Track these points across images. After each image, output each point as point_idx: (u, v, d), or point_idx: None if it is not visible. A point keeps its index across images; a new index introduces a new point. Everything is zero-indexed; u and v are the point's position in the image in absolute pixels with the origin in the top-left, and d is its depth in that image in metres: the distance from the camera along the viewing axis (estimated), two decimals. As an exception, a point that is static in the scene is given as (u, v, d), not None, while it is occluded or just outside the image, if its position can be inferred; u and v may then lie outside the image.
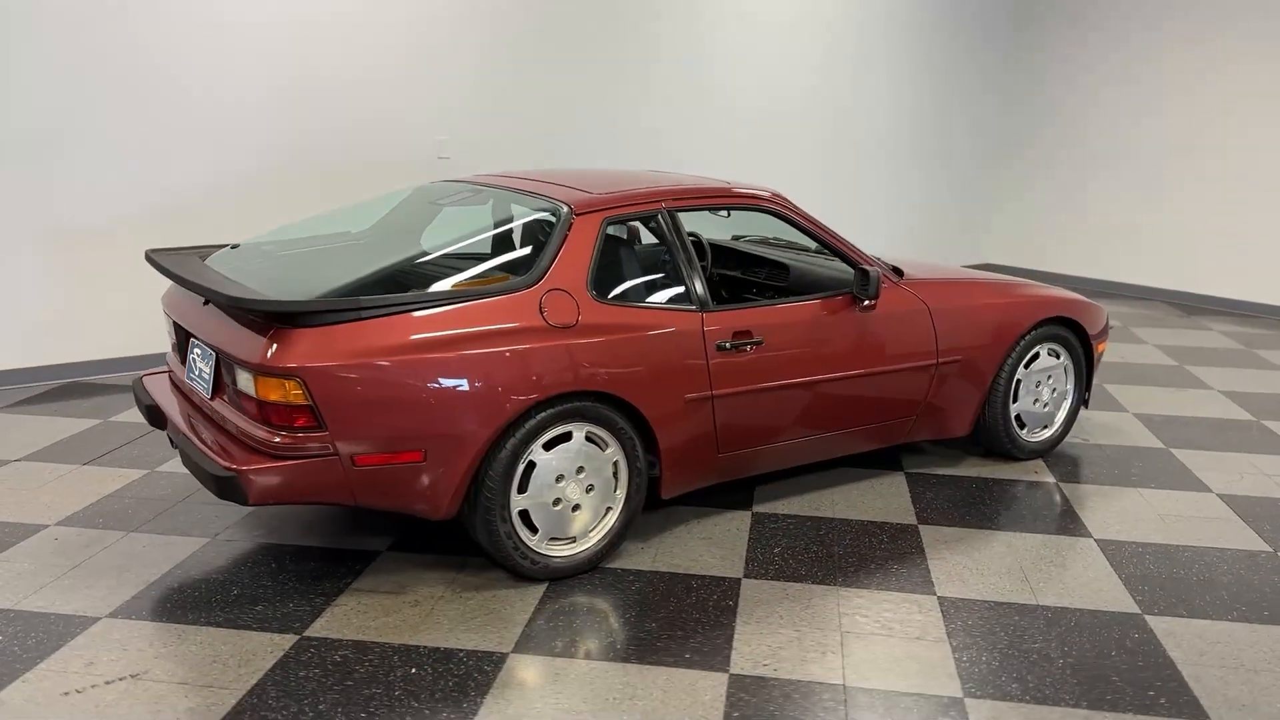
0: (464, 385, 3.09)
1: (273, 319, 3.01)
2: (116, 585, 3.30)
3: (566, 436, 3.34)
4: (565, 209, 3.51)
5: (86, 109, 5.34)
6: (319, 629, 3.06)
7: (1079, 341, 4.63)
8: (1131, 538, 3.82)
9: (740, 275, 4.64)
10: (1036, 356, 4.53)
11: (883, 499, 4.14)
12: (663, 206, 3.68)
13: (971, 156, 9.64)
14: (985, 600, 3.32)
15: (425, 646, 2.97)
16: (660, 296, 3.61)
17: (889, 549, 3.68)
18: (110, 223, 5.52)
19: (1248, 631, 3.15)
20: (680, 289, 3.63)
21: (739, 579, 3.43)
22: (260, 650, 2.93)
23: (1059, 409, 4.69)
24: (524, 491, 3.28)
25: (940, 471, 4.46)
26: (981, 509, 4.05)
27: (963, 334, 4.24)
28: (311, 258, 3.58)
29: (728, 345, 3.60)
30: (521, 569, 3.33)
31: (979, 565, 3.56)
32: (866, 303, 3.97)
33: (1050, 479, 4.41)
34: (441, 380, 3.06)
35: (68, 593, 3.24)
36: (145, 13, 5.40)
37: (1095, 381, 5.99)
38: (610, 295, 3.50)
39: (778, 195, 3.98)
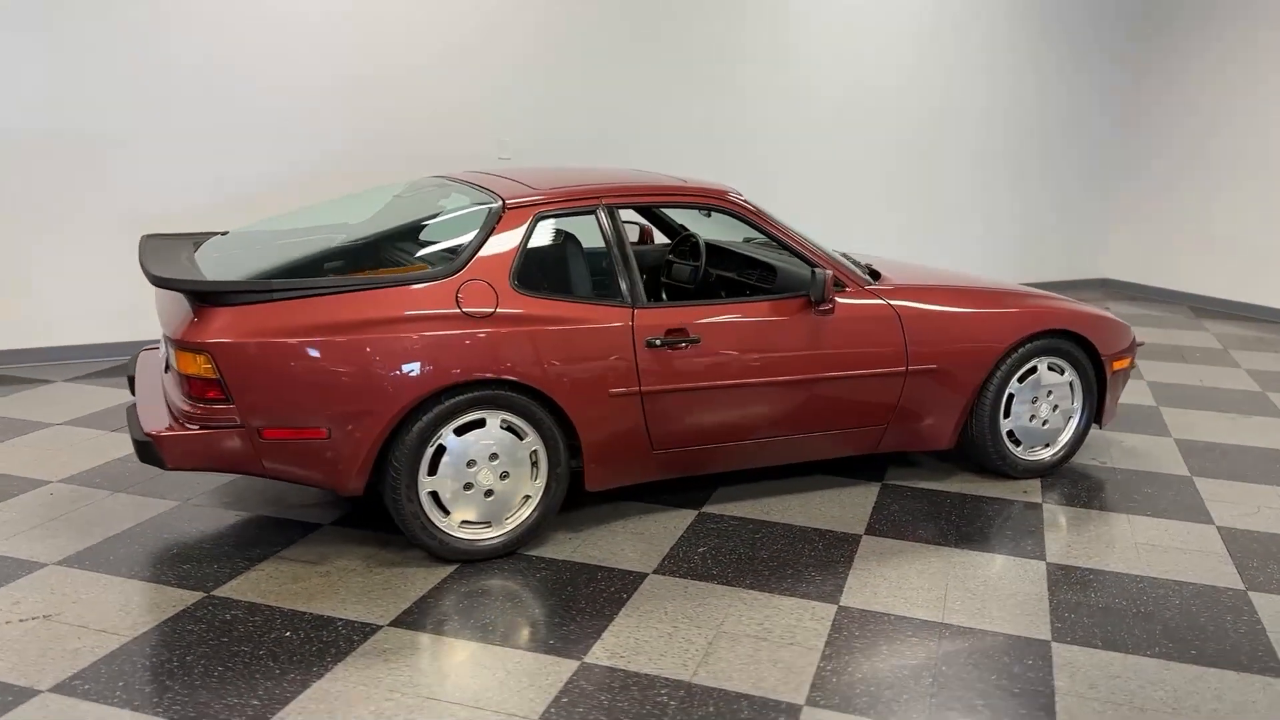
0: (367, 367, 3.24)
1: (194, 298, 3.24)
2: (77, 537, 3.62)
3: (482, 423, 3.44)
4: (498, 203, 3.62)
5: (160, 106, 5.83)
6: (226, 589, 3.27)
7: (1088, 358, 4.37)
8: (1088, 564, 3.59)
9: (735, 276, 4.62)
10: (1034, 371, 4.31)
11: (842, 508, 4.04)
12: (601, 203, 3.73)
13: (1082, 168, 9.14)
14: (887, 614, 3.21)
15: (310, 613, 3.14)
16: (590, 291, 3.66)
17: (817, 556, 3.60)
18: (182, 212, 6.00)
19: (1159, 668, 2.93)
20: (613, 285, 3.67)
21: (646, 574, 3.45)
22: (165, 603, 3.17)
23: (1064, 428, 4.44)
24: (434, 474, 3.40)
25: (922, 485, 4.31)
26: (942, 525, 3.90)
27: (938, 343, 4.08)
28: (272, 243, 3.82)
29: (657, 342, 3.61)
30: (430, 549, 3.45)
31: (901, 580, 3.44)
32: (823, 306, 3.89)
33: (1037, 499, 4.19)
34: (345, 362, 3.22)
35: (33, 540, 3.58)
36: (212, 12, 5.84)
37: (1140, 402, 5.61)
38: (535, 287, 3.58)
39: (731, 193, 3.96)
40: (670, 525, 3.85)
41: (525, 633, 3.04)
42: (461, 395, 3.36)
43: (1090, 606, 3.29)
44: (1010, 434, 4.35)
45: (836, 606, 3.25)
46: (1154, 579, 3.49)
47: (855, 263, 4.38)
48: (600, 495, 4.10)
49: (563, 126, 6.89)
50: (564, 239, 3.82)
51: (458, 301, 3.39)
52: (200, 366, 3.16)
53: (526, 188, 3.74)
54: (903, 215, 8.34)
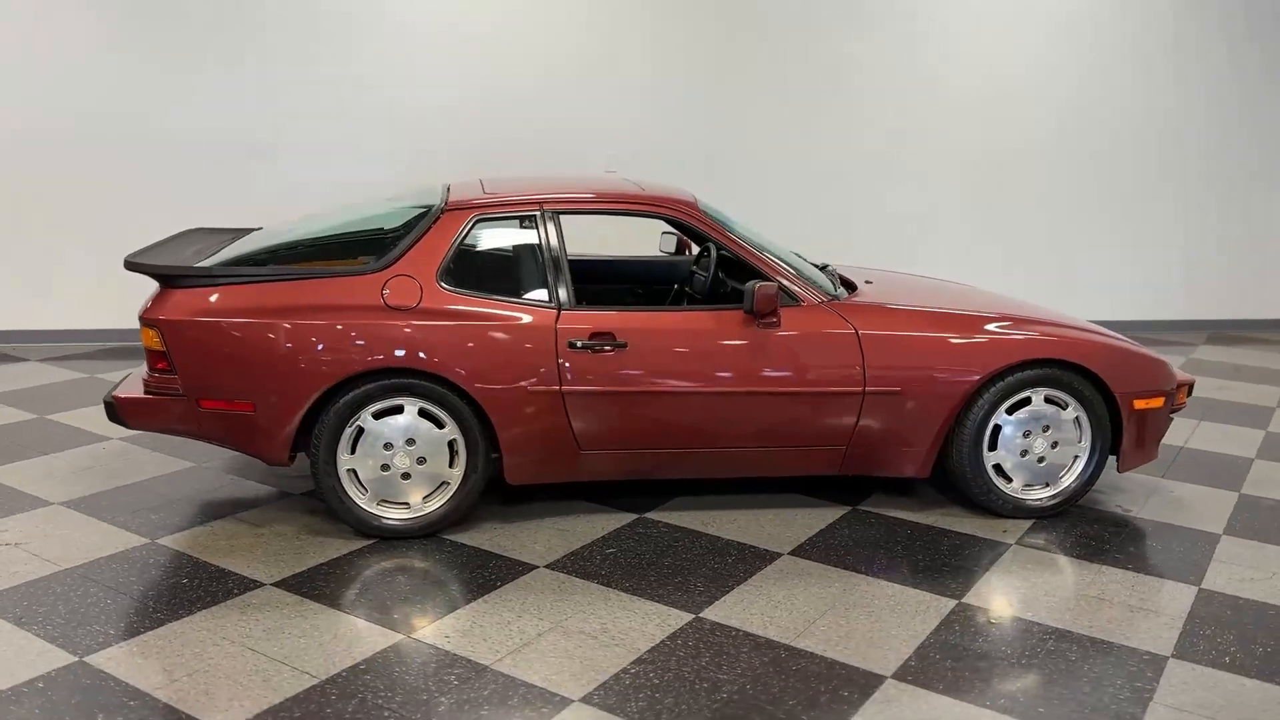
0: (290, 350, 3.57)
1: (159, 281, 3.70)
2: (93, 484, 4.20)
3: (401, 409, 3.68)
4: (439, 205, 3.85)
5: (303, 118, 6.54)
6: (169, 539, 3.71)
7: (1097, 394, 4.00)
8: (1000, 611, 3.32)
9: (741, 287, 4.60)
10: (1028, 402, 4.01)
11: (787, 527, 3.94)
12: (541, 209, 3.87)
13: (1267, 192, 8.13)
14: (736, 629, 3.15)
15: (216, 566, 3.50)
16: (518, 292, 3.81)
17: (717, 570, 3.56)
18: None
19: (964, 712, 2.70)
20: (542, 287, 3.80)
21: (536, 567, 3.55)
22: (113, 545, 3.64)
23: (1067, 467, 4.08)
24: (354, 453, 3.68)
25: (893, 514, 4.11)
26: (880, 555, 3.72)
27: (903, 365, 3.89)
28: (265, 237, 4.23)
29: (579, 344, 3.71)
30: (349, 523, 3.73)
31: (783, 600, 3.34)
32: (766, 319, 3.83)
33: (1009, 540, 3.89)
34: (271, 343, 3.57)
35: (57, 483, 4.20)
36: (349, 31, 6.48)
37: (1236, 453, 4.98)
38: (462, 285, 3.78)
39: (683, 203, 3.97)
40: (598, 525, 3.91)
41: (374, 606, 3.24)
42: (376, 382, 3.62)
43: (961, 651, 3.05)
44: (997, 468, 4.06)
45: (694, 617, 3.22)
46: (1065, 632, 3.18)
47: (831, 277, 4.26)
48: (566, 490, 4.22)
49: (671, 147, 7.02)
50: (506, 242, 3.98)
51: (383, 295, 3.65)
52: (153, 340, 3.61)
53: (479, 193, 3.95)
54: (1084, 236, 7.78)
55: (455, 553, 3.66)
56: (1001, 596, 3.42)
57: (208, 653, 2.93)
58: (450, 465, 3.75)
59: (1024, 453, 4.04)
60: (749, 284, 3.73)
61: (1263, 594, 3.48)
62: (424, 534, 3.77)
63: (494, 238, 3.96)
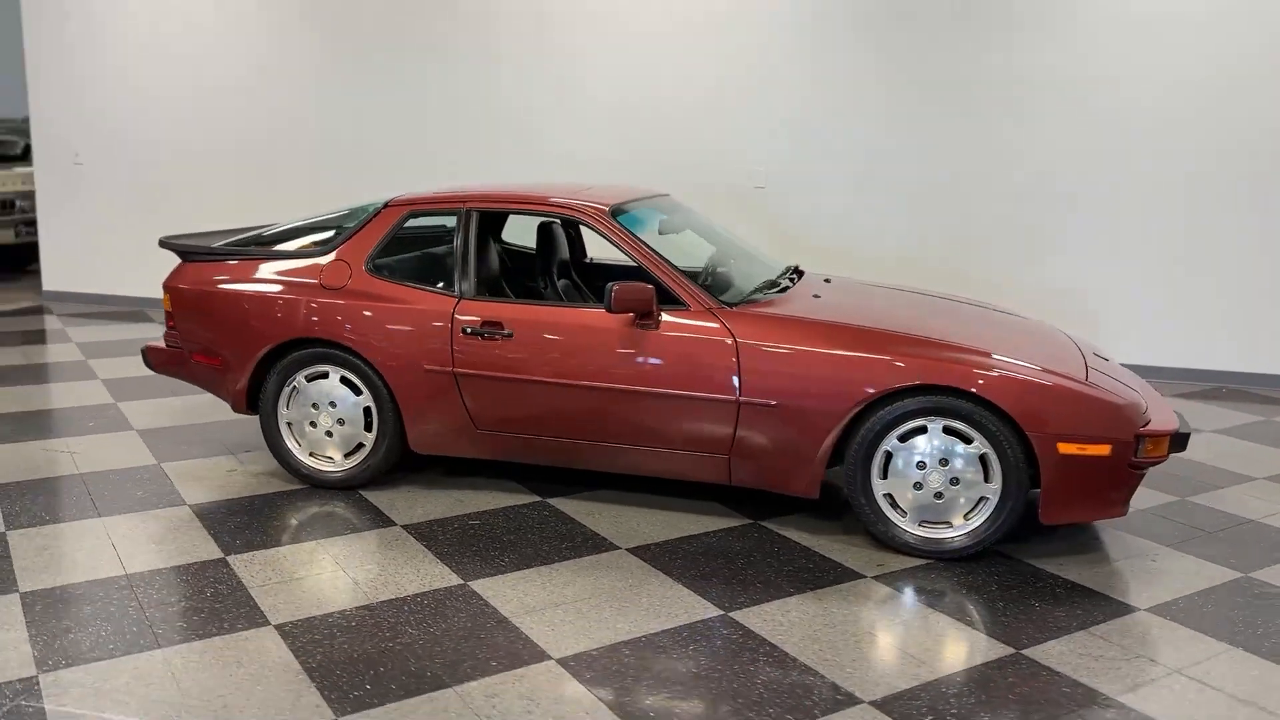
0: (244, 317, 4.31)
1: (179, 256, 4.61)
2: (175, 418, 5.26)
3: (327, 375, 4.28)
4: (382, 202, 4.39)
5: (478, 136, 7.43)
6: (169, 466, 4.60)
7: (1012, 432, 3.62)
8: (741, 629, 3.20)
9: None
10: (924, 430, 3.72)
11: (657, 527, 3.98)
12: (465, 208, 4.27)
13: None
14: (477, 594, 3.36)
15: (173, 490, 4.32)
16: (429, 281, 4.23)
17: (535, 553, 3.74)
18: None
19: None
20: (449, 277, 4.20)
21: (394, 525, 3.97)
22: (136, 459, 4.60)
23: (974, 508, 3.72)
24: (289, 409, 4.34)
25: (786, 532, 3.97)
26: (698, 564, 3.67)
27: (777, 377, 3.79)
28: (274, 226, 4.96)
29: (468, 331, 4.07)
30: (286, 469, 4.39)
31: (544, 581, 3.48)
32: (644, 320, 3.92)
33: (868, 574, 3.64)
34: (231, 310, 4.33)
35: (157, 418, 5.30)
36: (506, 57, 7.26)
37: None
38: (385, 272, 4.28)
39: (591, 208, 4.15)
40: (487, 502, 4.22)
41: (217, 536, 3.86)
42: (306, 349, 4.24)
43: (657, 648, 3.03)
44: (889, 497, 3.79)
45: (460, 583, 3.47)
46: (781, 654, 3.01)
47: (780, 282, 4.25)
48: (529, 470, 4.57)
49: (821, 165, 6.96)
50: (429, 236, 4.41)
51: (320, 276, 4.27)
52: (167, 303, 4.53)
53: (423, 193, 4.44)
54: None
55: (344, 502, 4.17)
56: (762, 620, 3.27)
57: (88, 544, 3.72)
58: (366, 429, 4.27)
59: (918, 485, 3.74)
60: (610, 285, 3.86)
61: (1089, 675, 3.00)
62: (344, 487, 4.32)
63: (420, 232, 4.42)
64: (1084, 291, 6.68)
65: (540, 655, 3.00)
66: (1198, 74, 6.27)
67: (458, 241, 4.22)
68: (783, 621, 3.26)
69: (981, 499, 3.70)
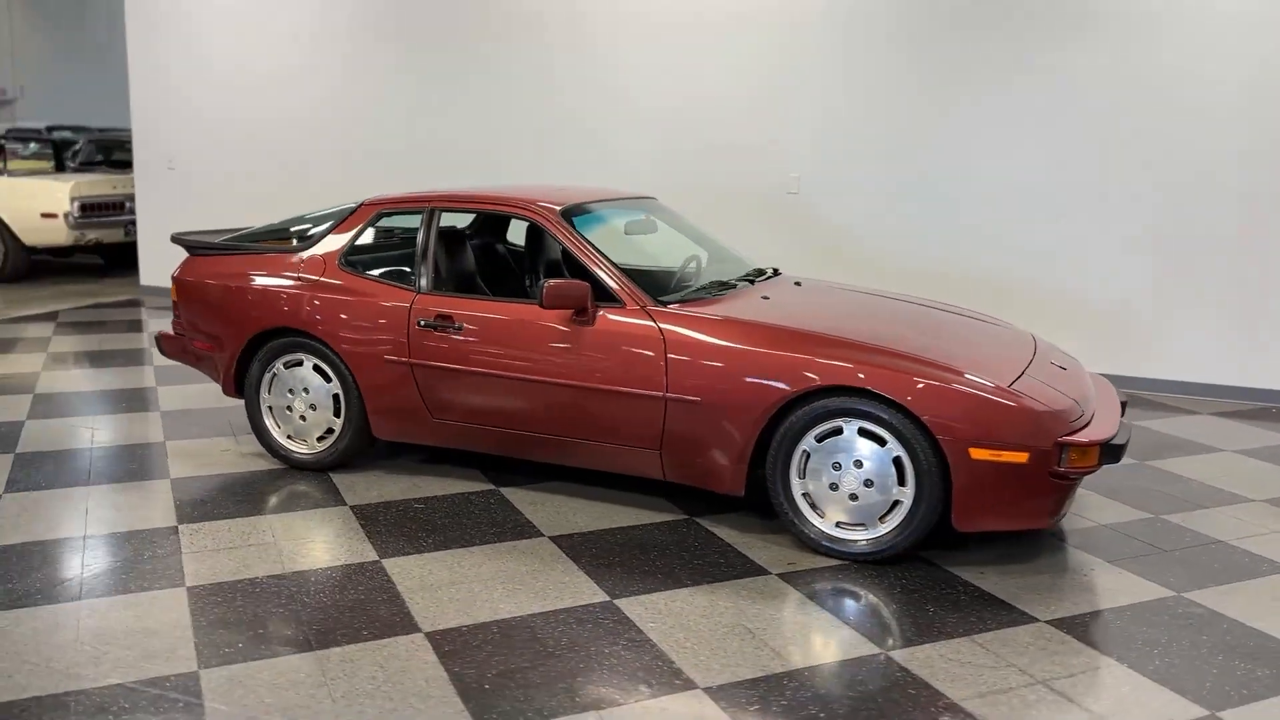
0: (230, 307, 4.64)
1: (187, 250, 4.99)
2: (172, 412, 5.67)
3: (301, 362, 4.57)
4: (358, 202, 4.65)
5: (541, 140, 7.69)
6: (174, 442, 4.99)
7: (923, 435, 3.59)
8: (619, 612, 3.28)
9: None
10: (841, 432, 3.73)
11: (590, 518, 4.09)
12: (428, 207, 4.49)
13: None
14: (369, 564, 3.55)
15: (170, 470, 4.68)
16: (392, 275, 4.46)
17: (447, 537, 3.91)
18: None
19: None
20: (409, 272, 4.43)
21: (344, 505, 4.21)
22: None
23: (889, 511, 3.70)
24: (270, 393, 4.65)
25: (714, 529, 4.02)
26: (608, 556, 3.76)
27: (703, 376, 3.85)
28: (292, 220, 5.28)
29: (422, 323, 4.29)
30: (267, 450, 4.70)
31: (433, 564, 3.64)
32: (585, 314, 4.04)
33: (773, 570, 3.66)
34: (221, 301, 4.67)
35: (169, 395, 5.73)
36: (581, 68, 7.48)
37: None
38: (354, 266, 4.53)
39: (546, 210, 4.30)
40: (442, 488, 4.41)
41: (179, 507, 4.17)
42: (282, 338, 4.54)
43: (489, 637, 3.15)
44: (807, 497, 3.81)
45: (374, 560, 3.67)
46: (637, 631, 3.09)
47: (710, 284, 4.33)
48: (497, 461, 4.76)
49: (856, 172, 6.92)
50: (395, 233, 4.64)
51: (298, 270, 4.56)
52: (173, 294, 4.92)
53: (394, 193, 4.68)
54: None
55: (306, 482, 4.43)
56: (642, 608, 3.34)
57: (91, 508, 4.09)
58: (335, 415, 4.53)
59: (834, 486, 3.74)
60: (542, 281, 4.00)
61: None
62: (316, 468, 4.59)
63: (388, 229, 4.67)
64: (1133, 304, 6.44)
65: (412, 628, 3.16)
66: (1251, 74, 5.97)
67: (419, 239, 4.43)
68: (662, 610, 3.32)
69: (896, 503, 3.67)
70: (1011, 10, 6.39)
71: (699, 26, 7.17)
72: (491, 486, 4.45)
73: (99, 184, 9.78)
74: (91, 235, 9.61)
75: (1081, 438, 3.55)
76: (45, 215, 9.42)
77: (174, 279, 4.86)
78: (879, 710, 2.77)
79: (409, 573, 3.56)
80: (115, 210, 9.82)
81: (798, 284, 4.72)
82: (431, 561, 3.66)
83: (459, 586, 3.46)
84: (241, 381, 4.73)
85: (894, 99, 6.76)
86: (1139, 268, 6.37)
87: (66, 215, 9.40)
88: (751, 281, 4.55)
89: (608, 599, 3.40)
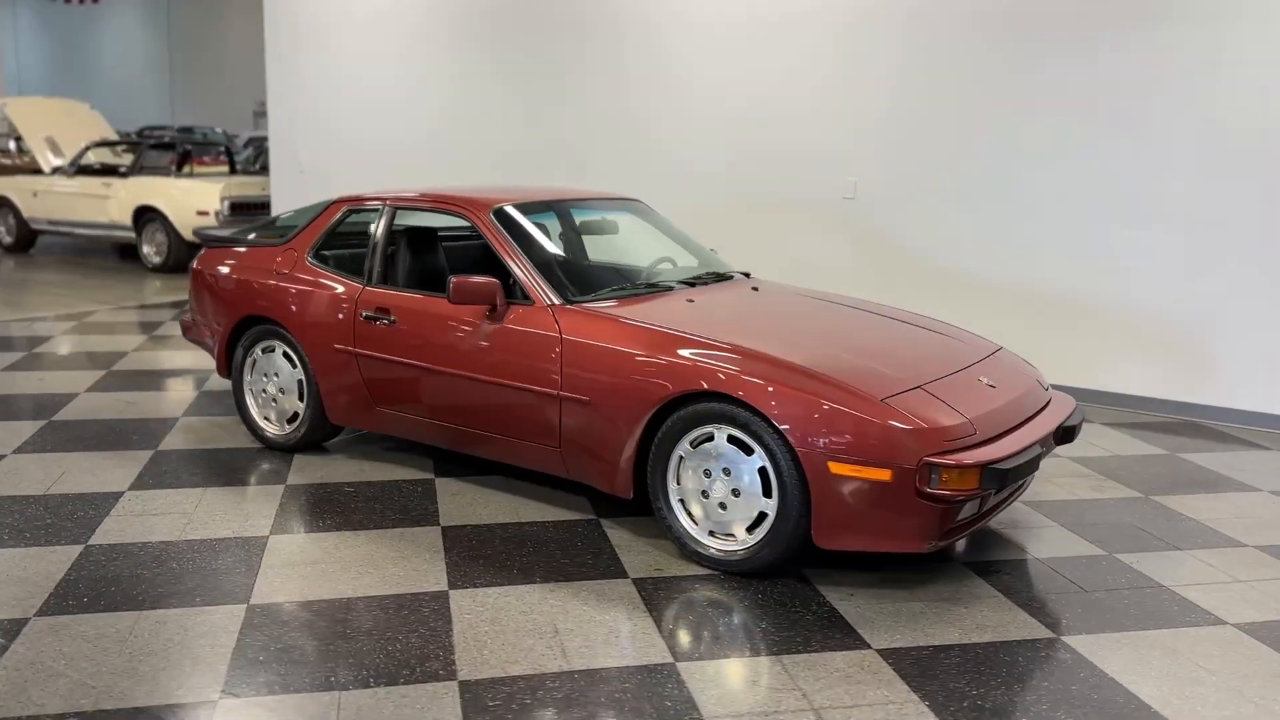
0: (221, 295, 5.02)
1: (204, 244, 5.43)
2: (204, 391, 6.13)
3: (274, 348, 4.89)
4: (332, 200, 4.91)
5: (595, 139, 7.84)
6: (172, 428, 5.44)
7: (783, 445, 3.46)
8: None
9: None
10: (712, 438, 3.64)
11: (497, 510, 4.15)
12: (384, 205, 4.68)
13: None
14: (261, 540, 3.77)
15: (159, 441, 5.11)
16: (348, 269, 4.69)
17: (348, 520, 4.09)
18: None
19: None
20: (361, 266, 4.64)
21: (287, 485, 4.47)
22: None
23: (759, 523, 3.57)
24: (250, 377, 4.99)
25: (613, 530, 4.00)
26: (501, 555, 3.81)
27: (589, 375, 3.85)
28: (290, 217, 5.61)
29: (364, 315, 4.50)
30: (250, 431, 5.04)
31: (308, 546, 3.80)
32: (495, 311, 4.13)
33: (649, 574, 3.61)
34: (216, 289, 5.06)
35: (212, 376, 6.22)
36: (628, 68, 7.56)
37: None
38: (320, 260, 4.79)
39: (480, 207, 4.40)
40: (382, 474, 4.58)
41: (142, 476, 4.53)
42: (258, 326, 4.87)
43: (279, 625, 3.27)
44: (683, 503, 3.73)
45: (263, 536, 3.90)
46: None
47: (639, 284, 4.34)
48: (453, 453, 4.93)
49: (915, 177, 6.62)
50: (357, 230, 4.84)
51: (275, 263, 4.88)
52: (190, 282, 5.37)
53: (361, 193, 4.91)
54: None
55: (275, 461, 4.72)
56: (471, 601, 3.38)
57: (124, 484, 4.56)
58: (300, 399, 4.81)
59: (705, 494, 3.65)
60: (452, 277, 4.10)
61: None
62: (284, 449, 4.89)
63: (352, 226, 4.89)
64: (1214, 324, 5.84)
65: (242, 599, 3.34)
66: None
67: (372, 234, 4.64)
68: (487, 604, 3.35)
69: (763, 514, 3.53)
70: (1085, 9, 5.92)
71: (759, 26, 7.06)
72: (430, 476, 4.59)
73: (248, 185, 10.69)
74: (240, 231, 10.56)
75: (951, 460, 3.30)
76: (200, 213, 10.39)
77: (190, 269, 5.29)
78: (621, 714, 2.69)
79: (284, 550, 3.74)
80: (261, 209, 10.68)
81: (755, 288, 4.61)
82: (313, 541, 3.83)
83: (317, 565, 3.62)
84: (230, 364, 5.09)
85: (959, 101, 6.41)
86: (1213, 289, 5.76)
87: (217, 213, 10.32)
88: (694, 284, 4.48)
89: (444, 589, 3.46)
